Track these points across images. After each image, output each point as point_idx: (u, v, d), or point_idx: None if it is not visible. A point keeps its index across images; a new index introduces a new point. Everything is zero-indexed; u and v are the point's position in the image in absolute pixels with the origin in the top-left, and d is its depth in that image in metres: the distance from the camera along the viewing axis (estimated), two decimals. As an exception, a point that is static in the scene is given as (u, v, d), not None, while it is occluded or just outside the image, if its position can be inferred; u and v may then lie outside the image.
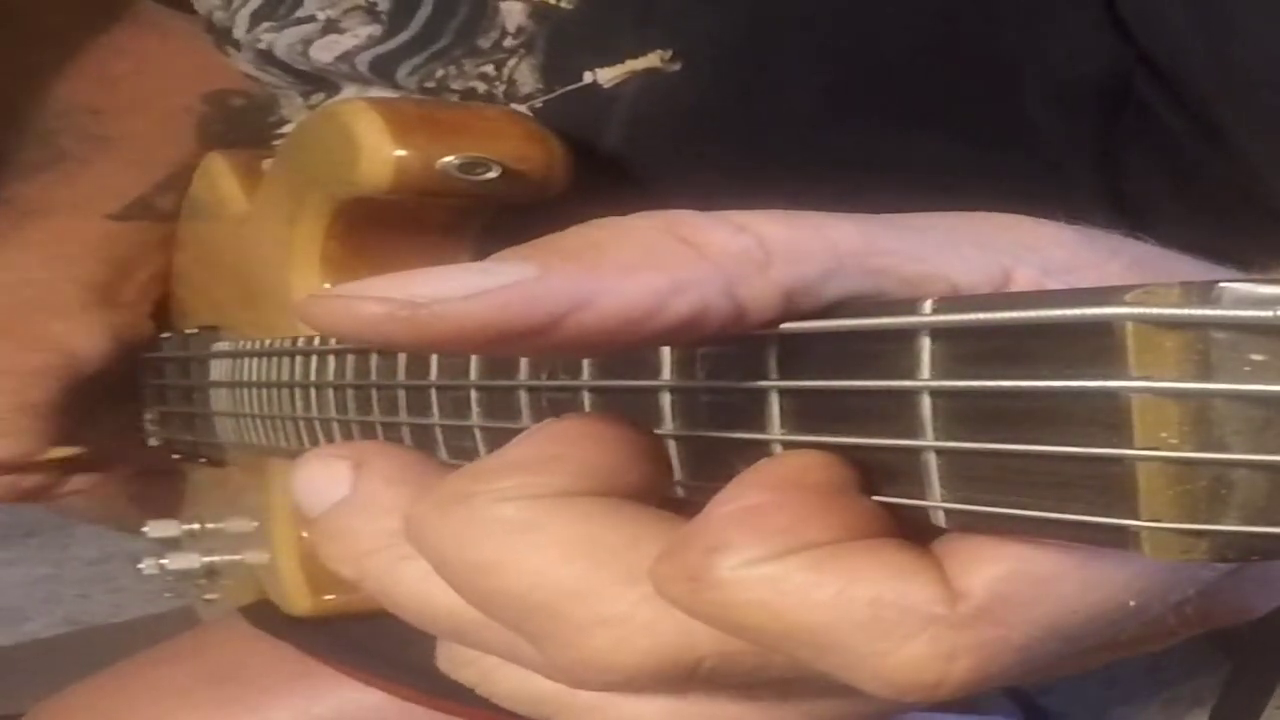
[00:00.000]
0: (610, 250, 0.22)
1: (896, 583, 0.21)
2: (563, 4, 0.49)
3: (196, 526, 0.67)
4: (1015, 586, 0.21)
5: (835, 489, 0.22)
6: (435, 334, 0.21)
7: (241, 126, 0.70)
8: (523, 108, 0.50)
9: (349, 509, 0.27)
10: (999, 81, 0.48)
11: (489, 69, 0.51)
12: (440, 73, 0.52)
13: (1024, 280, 0.23)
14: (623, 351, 0.24)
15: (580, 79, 0.49)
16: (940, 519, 0.21)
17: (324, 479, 0.27)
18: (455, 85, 0.52)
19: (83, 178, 0.70)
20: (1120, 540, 0.18)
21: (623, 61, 0.47)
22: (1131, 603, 0.21)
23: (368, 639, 0.61)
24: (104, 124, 0.71)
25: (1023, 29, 0.46)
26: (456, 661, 0.27)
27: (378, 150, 0.47)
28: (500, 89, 0.51)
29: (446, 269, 0.21)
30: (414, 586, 0.25)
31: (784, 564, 0.21)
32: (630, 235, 0.22)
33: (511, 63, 0.50)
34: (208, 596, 0.69)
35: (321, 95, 0.60)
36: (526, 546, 0.23)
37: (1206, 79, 0.43)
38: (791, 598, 0.21)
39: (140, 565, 0.67)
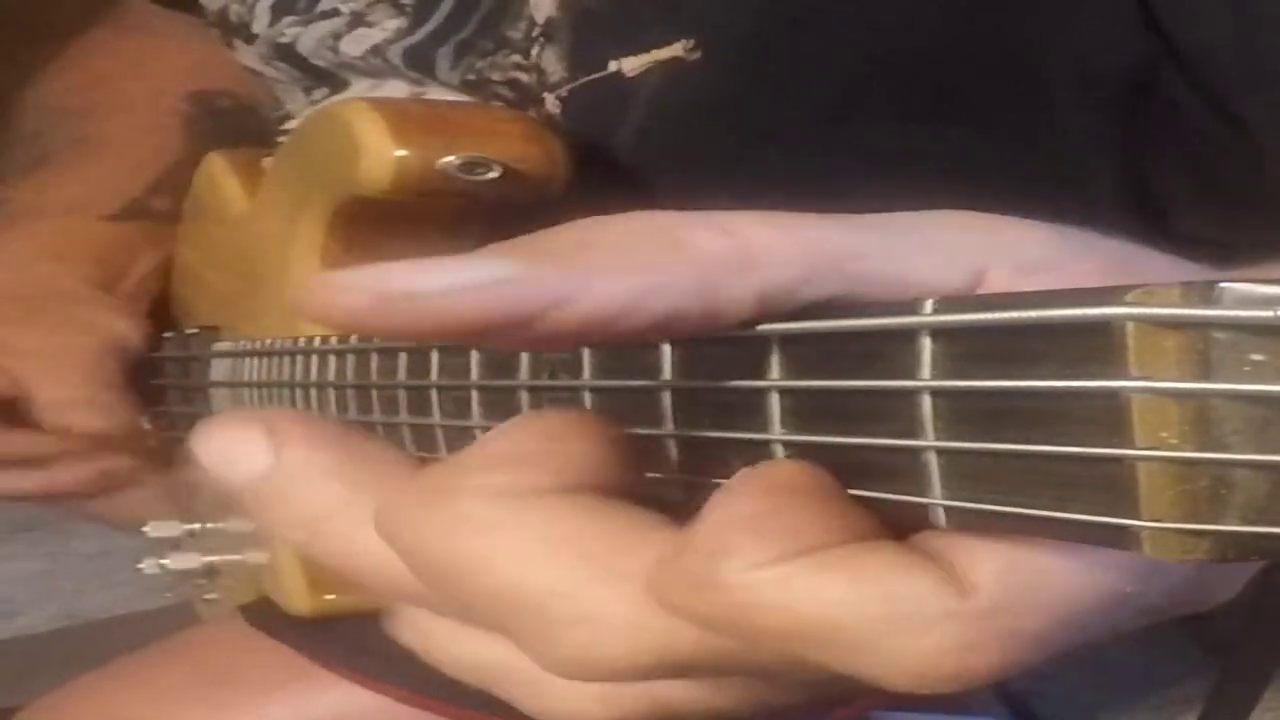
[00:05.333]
0: (593, 250, 0.22)
1: (908, 579, 0.21)
2: None
3: (197, 526, 0.67)
4: (1020, 576, 0.21)
5: (826, 495, 0.22)
6: (418, 326, 0.21)
7: (232, 128, 0.70)
8: (550, 96, 0.50)
9: (288, 475, 0.27)
10: (1020, 75, 0.47)
11: (520, 58, 0.51)
12: (479, 64, 0.52)
13: (997, 280, 0.24)
14: (600, 343, 0.25)
15: (605, 68, 0.49)
16: (941, 519, 0.21)
17: (241, 447, 0.27)
18: (495, 77, 0.52)
19: (70, 179, 0.69)
20: (1121, 540, 0.18)
21: (647, 51, 0.48)
22: (1128, 589, 0.22)
23: (366, 640, 0.61)
24: (87, 125, 0.70)
25: (1047, 22, 0.46)
26: (404, 624, 0.27)
27: (378, 150, 0.47)
28: (533, 78, 0.51)
29: (434, 262, 0.21)
30: (379, 554, 0.25)
31: (792, 566, 0.21)
32: (614, 235, 0.22)
33: (535, 51, 0.50)
34: (208, 596, 0.69)
35: (325, 91, 0.60)
36: (511, 544, 0.23)
37: (1232, 68, 0.42)
38: (804, 597, 0.21)
39: (140, 565, 0.67)
